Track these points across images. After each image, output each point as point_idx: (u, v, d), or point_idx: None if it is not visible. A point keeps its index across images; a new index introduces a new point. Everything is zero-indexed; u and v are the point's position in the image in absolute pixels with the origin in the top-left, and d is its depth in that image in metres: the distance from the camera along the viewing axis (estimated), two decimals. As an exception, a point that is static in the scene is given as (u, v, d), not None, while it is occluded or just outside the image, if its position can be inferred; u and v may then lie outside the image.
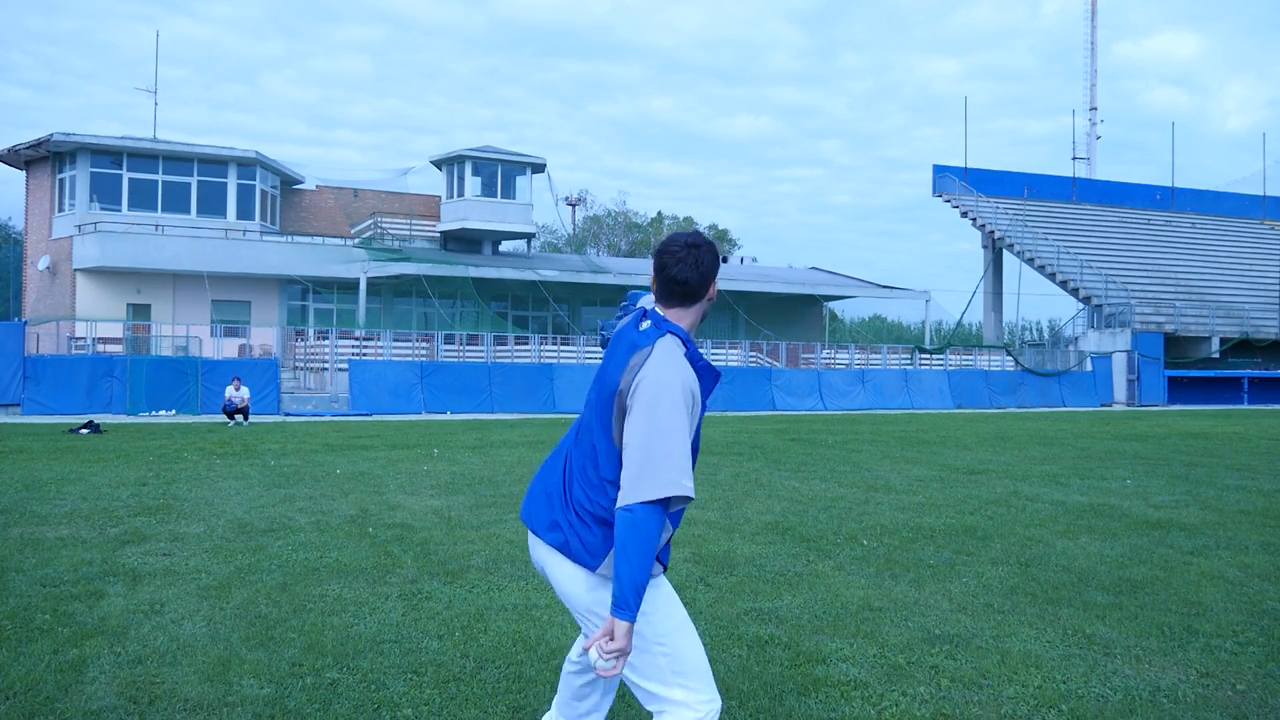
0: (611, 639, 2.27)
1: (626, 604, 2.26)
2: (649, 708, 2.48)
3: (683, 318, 2.51)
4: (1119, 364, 35.96)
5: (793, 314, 40.44)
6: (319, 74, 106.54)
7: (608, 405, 2.44)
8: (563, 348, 29.67)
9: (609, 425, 2.44)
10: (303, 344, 28.61)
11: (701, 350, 32.77)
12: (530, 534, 2.63)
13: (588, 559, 2.44)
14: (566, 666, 2.81)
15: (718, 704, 2.47)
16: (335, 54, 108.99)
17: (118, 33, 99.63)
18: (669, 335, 2.45)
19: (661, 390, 2.34)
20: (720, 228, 68.30)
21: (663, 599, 2.50)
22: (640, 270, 35.78)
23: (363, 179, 36.31)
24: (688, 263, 2.45)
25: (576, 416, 3.22)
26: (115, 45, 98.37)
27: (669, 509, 2.36)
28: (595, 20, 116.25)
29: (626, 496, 2.29)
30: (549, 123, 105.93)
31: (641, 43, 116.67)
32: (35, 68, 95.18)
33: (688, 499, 2.34)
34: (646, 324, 2.51)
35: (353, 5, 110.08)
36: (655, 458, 2.28)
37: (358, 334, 27.51)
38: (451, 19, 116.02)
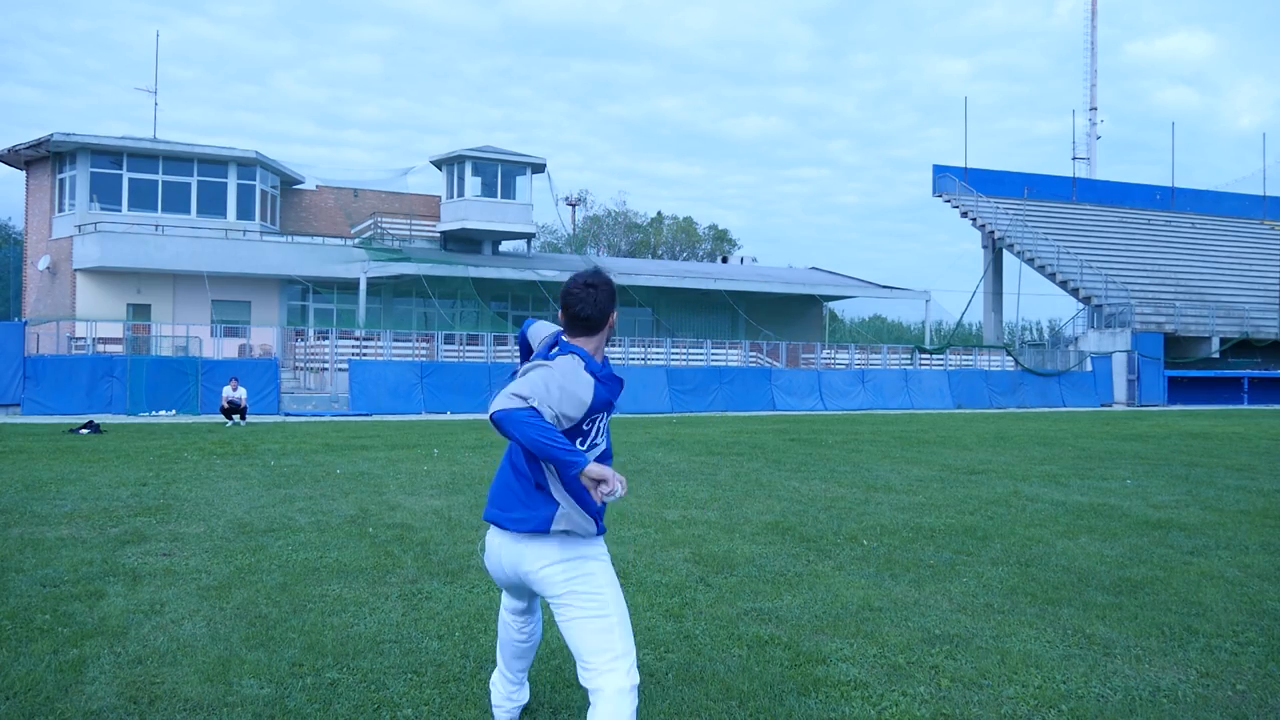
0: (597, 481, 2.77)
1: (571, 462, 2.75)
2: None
3: (587, 343, 3.05)
4: (1119, 364, 35.96)
5: (793, 314, 40.44)
6: (329, 74, 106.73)
7: None
8: (563, 348, 29.61)
9: None
10: (303, 344, 28.61)
11: (701, 350, 32.58)
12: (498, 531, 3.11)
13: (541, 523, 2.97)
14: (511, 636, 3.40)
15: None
16: (346, 54, 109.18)
17: (130, 33, 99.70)
18: (569, 355, 2.99)
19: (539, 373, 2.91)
20: (720, 227, 68.35)
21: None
22: (640, 270, 35.80)
23: (363, 179, 36.36)
24: (587, 301, 3.01)
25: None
26: (128, 45, 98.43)
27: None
28: (607, 20, 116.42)
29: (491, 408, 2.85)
30: (557, 123, 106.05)
31: (653, 43, 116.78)
32: (46, 68, 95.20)
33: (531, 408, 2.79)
34: (555, 350, 3.06)
35: (365, 5, 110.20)
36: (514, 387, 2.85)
37: (358, 334, 27.51)
38: (463, 19, 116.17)
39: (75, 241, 28.32)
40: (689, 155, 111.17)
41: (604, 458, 3.10)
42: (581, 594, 2.93)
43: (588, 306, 3.01)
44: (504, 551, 3.04)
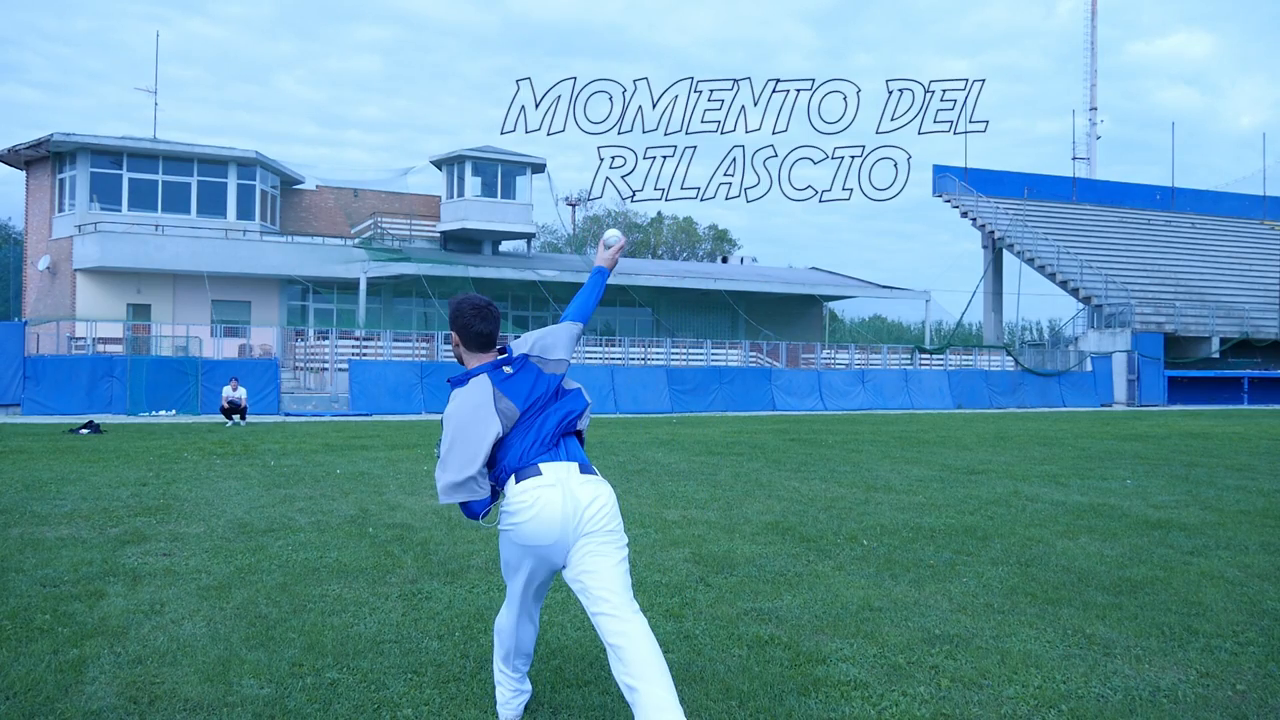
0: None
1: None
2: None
3: (485, 357, 3.33)
4: (1119, 364, 35.96)
5: (793, 314, 40.44)
6: (330, 74, 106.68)
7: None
8: (563, 348, 29.62)
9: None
10: (303, 344, 28.62)
11: (701, 350, 32.64)
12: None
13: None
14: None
15: None
16: (347, 54, 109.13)
17: (131, 33, 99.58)
18: (468, 382, 3.28)
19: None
20: (720, 228, 68.38)
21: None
22: (640, 270, 35.81)
23: (363, 179, 36.36)
24: (491, 318, 3.37)
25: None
26: (128, 45, 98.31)
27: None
28: (608, 20, 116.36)
29: None
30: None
31: (654, 42, 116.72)
32: (47, 68, 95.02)
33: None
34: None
35: (365, 5, 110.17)
36: None
37: (358, 334, 27.52)
38: (465, 19, 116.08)
39: (75, 241, 28.33)
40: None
41: (569, 414, 3.25)
42: (621, 533, 3.18)
43: (490, 323, 3.33)
44: (581, 490, 3.11)
